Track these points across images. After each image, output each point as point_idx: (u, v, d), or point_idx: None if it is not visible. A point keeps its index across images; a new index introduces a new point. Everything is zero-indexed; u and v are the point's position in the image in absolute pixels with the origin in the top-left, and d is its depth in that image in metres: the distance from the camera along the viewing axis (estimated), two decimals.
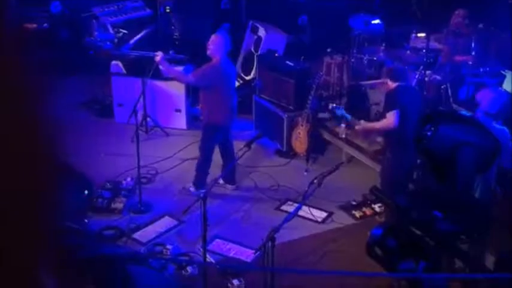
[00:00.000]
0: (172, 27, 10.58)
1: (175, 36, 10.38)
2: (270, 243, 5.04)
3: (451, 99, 8.52)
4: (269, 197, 7.80)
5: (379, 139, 7.27)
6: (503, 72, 8.67)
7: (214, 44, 7.46)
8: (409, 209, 6.32)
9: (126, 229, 7.12)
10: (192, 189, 7.60)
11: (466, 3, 9.53)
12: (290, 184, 8.08)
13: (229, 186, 7.98)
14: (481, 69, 8.79)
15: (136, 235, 7.05)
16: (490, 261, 5.90)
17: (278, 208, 7.61)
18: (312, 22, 12.02)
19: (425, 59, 8.80)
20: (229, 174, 7.90)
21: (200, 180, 7.65)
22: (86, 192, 7.67)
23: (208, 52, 7.46)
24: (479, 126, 7.77)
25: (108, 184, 7.90)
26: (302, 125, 8.57)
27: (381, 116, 8.68)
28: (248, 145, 6.15)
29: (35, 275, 0.75)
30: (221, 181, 7.88)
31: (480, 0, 9.15)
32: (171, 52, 9.69)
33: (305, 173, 8.24)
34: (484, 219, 5.91)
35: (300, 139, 8.64)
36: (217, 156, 7.91)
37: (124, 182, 7.97)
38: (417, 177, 7.44)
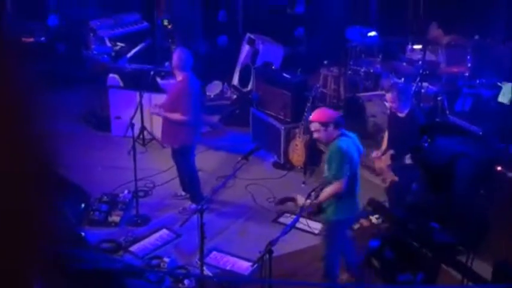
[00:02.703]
0: (170, 40, 10.61)
1: (172, 49, 10.41)
2: (267, 256, 5.03)
3: (447, 111, 8.54)
4: (266, 210, 7.80)
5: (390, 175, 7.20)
6: (499, 84, 8.71)
7: (181, 59, 7.36)
8: (407, 221, 6.36)
9: (123, 242, 7.10)
10: (193, 206, 7.53)
11: (461, 15, 9.58)
12: None
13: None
14: (477, 81, 8.82)
15: (133, 248, 7.03)
16: (487, 271, 5.90)
17: (275, 220, 7.60)
18: (308, 34, 12.06)
19: (421, 71, 8.84)
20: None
21: (196, 196, 7.64)
22: (83, 205, 7.69)
23: (175, 68, 7.42)
24: (476, 137, 7.81)
25: (105, 197, 7.88)
26: (299, 137, 8.59)
27: (378, 129, 8.75)
28: (245, 157, 6.15)
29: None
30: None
31: (475, 12, 9.19)
32: (166, 64, 9.73)
33: (302, 185, 8.24)
34: (481, 229, 5.93)
35: (297, 151, 8.65)
36: (213, 167, 7.92)
37: (121, 195, 7.96)
38: (415, 189, 7.44)
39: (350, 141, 5.76)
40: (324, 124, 5.67)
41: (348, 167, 5.58)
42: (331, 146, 5.69)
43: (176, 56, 7.40)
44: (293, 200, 5.91)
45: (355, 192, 5.80)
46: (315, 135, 5.93)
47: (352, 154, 5.68)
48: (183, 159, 7.68)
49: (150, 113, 8.21)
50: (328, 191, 5.64)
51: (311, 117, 5.92)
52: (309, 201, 5.73)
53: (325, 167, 5.77)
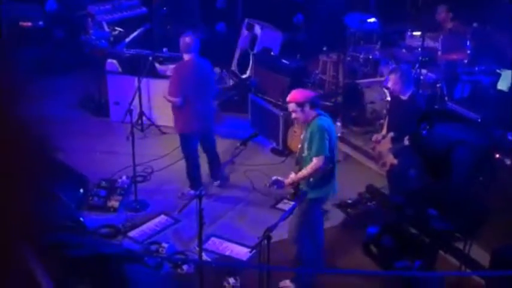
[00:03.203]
0: (168, 27, 10.57)
1: (170, 34, 10.36)
2: (265, 242, 5.03)
3: (446, 98, 8.54)
4: (265, 196, 7.80)
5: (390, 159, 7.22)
6: (498, 71, 8.70)
7: (184, 42, 7.42)
8: (405, 207, 6.36)
9: (122, 227, 7.12)
10: (192, 192, 7.52)
11: (460, 2, 9.56)
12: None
13: (214, 182, 7.94)
14: (476, 68, 8.81)
15: (132, 233, 7.05)
16: (484, 257, 5.92)
17: (274, 206, 7.61)
18: (307, 20, 12.03)
19: (420, 58, 8.82)
20: (214, 171, 7.93)
21: (195, 183, 7.63)
22: (82, 190, 7.69)
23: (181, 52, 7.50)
24: (474, 124, 7.81)
25: (103, 182, 7.88)
26: (298, 123, 8.57)
27: (377, 116, 8.73)
28: (244, 143, 6.15)
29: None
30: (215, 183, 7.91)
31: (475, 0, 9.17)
32: (164, 50, 9.69)
33: None
34: (479, 216, 5.93)
35: (295, 137, 8.62)
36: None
37: (120, 180, 7.95)
38: (413, 176, 7.45)
39: (329, 120, 5.91)
40: (300, 104, 5.80)
41: (327, 143, 5.69)
42: (311, 125, 5.78)
43: (181, 40, 7.43)
44: (280, 182, 5.94)
45: (334, 171, 5.91)
46: (293, 115, 6.04)
47: (332, 132, 5.82)
48: (182, 145, 7.67)
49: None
50: (309, 168, 5.71)
51: (287, 98, 6.03)
52: (289, 179, 5.87)
53: (305, 146, 5.84)
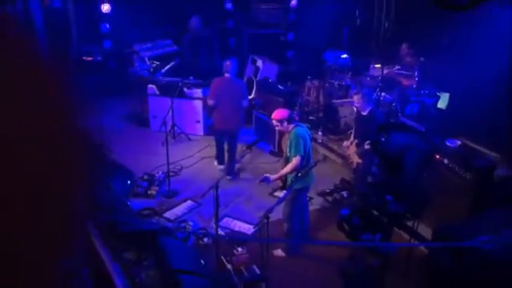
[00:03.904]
0: (193, 61, 10.58)
1: (194, 67, 10.38)
2: (265, 220, 5.05)
3: (399, 114, 8.54)
4: (264, 186, 7.79)
5: (357, 159, 7.21)
6: (438, 94, 8.70)
7: (225, 65, 7.80)
8: (369, 195, 6.35)
9: (158, 210, 7.13)
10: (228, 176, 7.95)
11: (412, 42, 9.56)
12: None
13: (227, 177, 7.95)
14: (422, 91, 8.81)
15: (166, 214, 7.06)
16: (427, 232, 5.91)
17: (271, 194, 7.61)
18: (296, 56, 12.05)
19: (380, 84, 8.82)
20: (229, 168, 8.03)
21: (232, 169, 8.10)
22: (129, 182, 7.71)
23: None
24: (420, 133, 7.80)
25: (145, 176, 7.91)
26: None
27: (348, 127, 8.73)
28: (249, 147, 6.17)
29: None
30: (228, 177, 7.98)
31: (422, 39, 9.16)
32: (191, 78, 9.72)
33: None
34: (424, 202, 5.92)
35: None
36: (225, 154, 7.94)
37: (157, 174, 7.98)
38: (374, 172, 7.45)
39: (304, 129, 6.01)
40: (279, 121, 5.99)
41: (302, 147, 5.79)
42: (290, 134, 5.92)
43: (224, 63, 7.86)
44: (267, 178, 6.00)
45: (309, 166, 5.92)
46: (277, 128, 6.28)
47: (306, 138, 5.92)
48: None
49: None
50: (289, 165, 5.85)
51: (272, 116, 6.17)
52: (275, 176, 5.98)
53: (287, 149, 5.97)
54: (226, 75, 7.73)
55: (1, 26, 0.74)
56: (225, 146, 8.10)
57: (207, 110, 9.40)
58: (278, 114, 6.07)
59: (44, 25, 9.34)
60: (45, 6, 10.17)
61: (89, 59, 10.79)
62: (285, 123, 5.97)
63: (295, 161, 5.78)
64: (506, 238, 3.72)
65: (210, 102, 7.85)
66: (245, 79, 10.92)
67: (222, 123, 7.80)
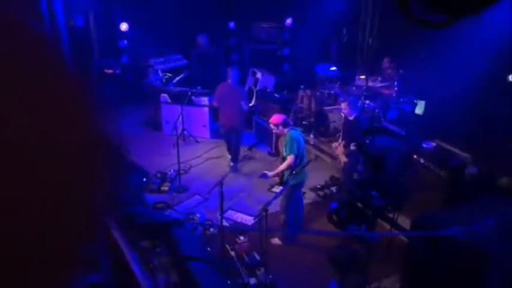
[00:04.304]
0: (201, 73, 10.56)
1: (201, 78, 10.38)
2: (264, 213, 5.04)
3: (381, 119, 8.53)
4: (264, 182, 7.78)
5: (344, 159, 7.21)
6: (415, 101, 8.69)
7: (227, 73, 8.12)
8: (355, 190, 6.34)
9: (171, 203, 7.11)
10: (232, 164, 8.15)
11: (392, 56, 9.55)
12: None
13: (232, 163, 8.19)
14: (401, 99, 8.80)
15: (177, 207, 7.05)
16: (406, 223, 5.90)
17: (269, 189, 7.60)
18: (291, 68, 12.03)
19: (364, 93, 8.81)
20: (233, 158, 8.26)
21: (237, 158, 8.27)
22: (144, 179, 7.69)
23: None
24: (400, 136, 7.79)
25: (158, 174, 7.89)
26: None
27: (336, 130, 8.72)
28: (250, 148, 6.18)
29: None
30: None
31: (401, 53, 9.15)
32: (198, 88, 9.72)
33: None
34: (403, 197, 5.91)
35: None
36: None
37: (169, 172, 7.96)
38: (360, 170, 7.43)
39: (297, 132, 6.07)
40: (276, 125, 6.05)
41: (296, 147, 5.82)
42: (286, 136, 5.98)
43: (228, 70, 8.15)
44: (265, 175, 6.01)
45: (303, 165, 5.93)
46: (274, 131, 6.30)
47: (299, 139, 5.95)
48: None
49: None
50: (284, 163, 5.90)
51: (269, 121, 6.22)
52: (272, 173, 6.00)
53: (283, 149, 6.02)
54: (229, 81, 7.93)
55: (35, 42, 0.73)
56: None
57: (213, 114, 9.43)
58: (275, 119, 6.11)
59: (69, 41, 9.32)
60: (70, 25, 10.16)
61: (109, 71, 10.78)
62: (281, 127, 6.01)
63: (289, 159, 5.81)
64: (477, 228, 3.71)
65: (215, 104, 8.15)
66: (246, 88, 10.91)
67: (226, 123, 8.05)
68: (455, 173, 6.30)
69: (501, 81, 7.27)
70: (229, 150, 8.40)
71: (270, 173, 5.99)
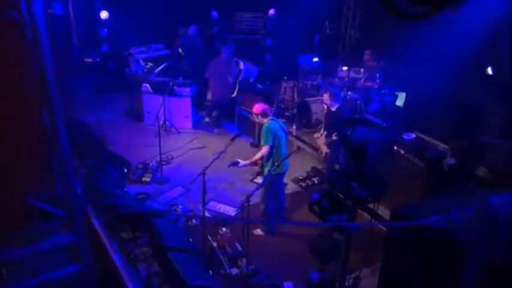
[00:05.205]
0: (183, 63, 10.48)
1: (184, 68, 10.28)
2: (246, 204, 5.06)
3: (363, 111, 8.60)
4: (246, 173, 7.81)
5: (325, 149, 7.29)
6: (396, 93, 8.79)
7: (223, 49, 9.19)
8: (336, 181, 6.39)
9: (152, 194, 7.09)
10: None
11: (374, 48, 9.61)
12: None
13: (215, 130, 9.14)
14: (383, 91, 8.88)
15: (159, 198, 7.03)
16: (386, 214, 5.99)
17: (252, 180, 7.63)
18: (274, 59, 12.01)
19: (347, 84, 8.87)
20: (215, 123, 9.26)
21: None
22: (126, 170, 7.63)
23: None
24: (381, 127, 7.87)
25: (140, 165, 7.84)
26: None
27: (318, 121, 8.77)
28: (233, 139, 6.16)
29: None
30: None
31: (383, 46, 9.21)
32: (180, 78, 9.65)
33: None
34: (383, 187, 5.98)
35: None
36: (212, 145, 7.87)
37: (151, 163, 7.92)
38: (341, 161, 7.49)
39: (275, 122, 6.15)
40: (256, 114, 6.21)
41: (271, 138, 5.94)
42: (263, 127, 6.11)
43: (222, 48, 9.24)
44: (237, 163, 6.07)
45: (283, 155, 6.04)
46: (255, 120, 6.52)
47: (275, 130, 6.04)
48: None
49: None
50: (258, 154, 6.07)
51: (252, 110, 6.36)
52: (244, 162, 6.06)
53: (261, 139, 6.11)
54: (221, 57, 8.87)
55: (8, 28, 0.73)
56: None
57: (194, 106, 9.39)
58: (256, 108, 6.21)
59: (47, 30, 9.14)
60: (49, 13, 9.94)
61: (89, 60, 10.62)
62: (260, 117, 6.10)
63: (264, 149, 5.93)
64: (454, 217, 3.79)
65: (207, 76, 9.03)
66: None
67: (214, 96, 9.07)
68: (433, 163, 6.41)
69: (480, 74, 7.40)
70: (213, 123, 9.24)
71: (243, 162, 6.05)
